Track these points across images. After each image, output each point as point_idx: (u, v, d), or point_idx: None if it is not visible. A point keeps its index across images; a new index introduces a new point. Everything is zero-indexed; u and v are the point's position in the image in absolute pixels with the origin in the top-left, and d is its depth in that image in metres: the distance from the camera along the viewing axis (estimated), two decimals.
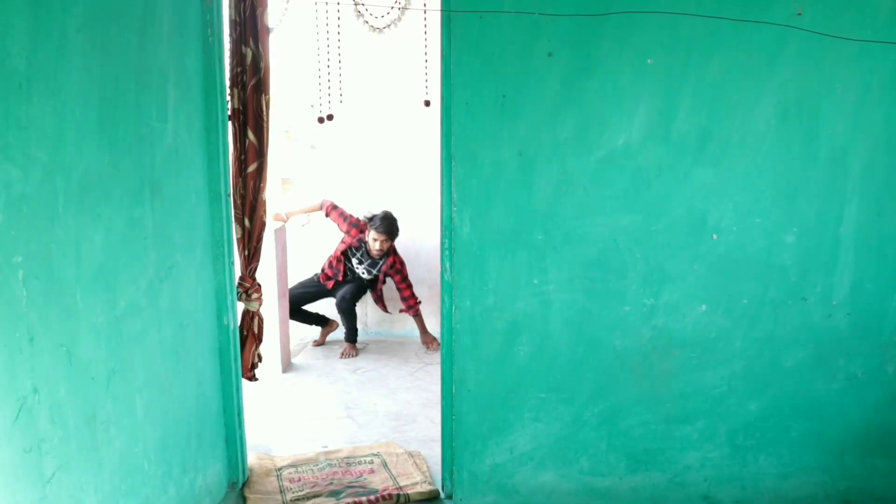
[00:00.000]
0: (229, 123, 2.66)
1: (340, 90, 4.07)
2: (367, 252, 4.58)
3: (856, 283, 2.47)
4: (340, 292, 4.68)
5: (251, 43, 2.62)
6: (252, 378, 2.92)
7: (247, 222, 2.76)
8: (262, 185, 2.76)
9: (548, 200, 2.46)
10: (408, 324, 4.98)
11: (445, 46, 2.42)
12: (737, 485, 2.64)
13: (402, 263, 4.70)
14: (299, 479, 2.92)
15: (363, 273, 4.66)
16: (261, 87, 2.68)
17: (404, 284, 4.70)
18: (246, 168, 2.72)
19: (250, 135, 2.69)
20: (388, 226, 4.46)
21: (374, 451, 3.19)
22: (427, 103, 3.97)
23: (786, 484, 2.63)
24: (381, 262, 4.62)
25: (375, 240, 4.45)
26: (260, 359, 2.94)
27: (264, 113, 2.71)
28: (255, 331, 2.89)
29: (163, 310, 2.21)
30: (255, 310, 2.87)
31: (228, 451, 2.78)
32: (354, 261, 4.66)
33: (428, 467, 3.03)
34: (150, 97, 2.11)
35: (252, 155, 2.71)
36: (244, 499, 2.79)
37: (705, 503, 2.66)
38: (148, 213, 2.11)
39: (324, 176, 4.95)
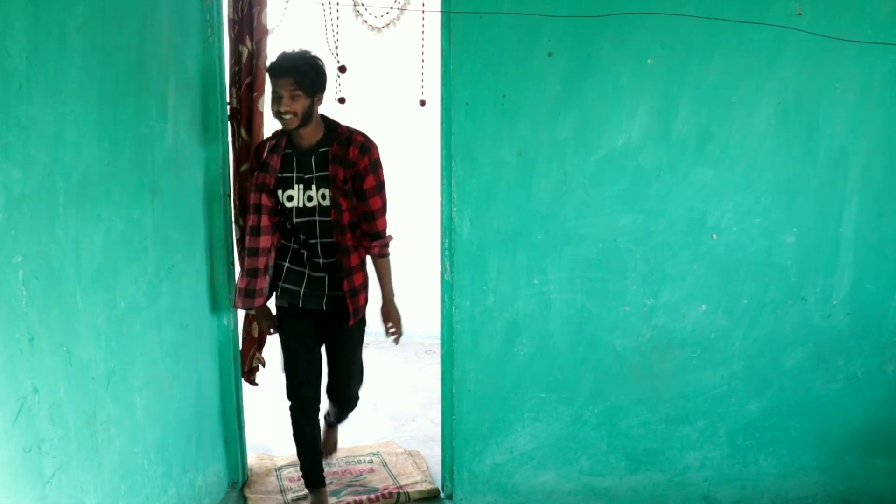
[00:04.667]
0: (229, 123, 2.66)
1: (339, 89, 4.06)
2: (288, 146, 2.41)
3: (856, 283, 2.47)
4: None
5: (247, 41, 2.61)
6: (252, 382, 2.90)
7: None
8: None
9: (548, 200, 2.46)
10: (407, 324, 4.93)
11: (445, 47, 2.42)
12: (737, 485, 2.64)
13: (370, 146, 2.37)
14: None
15: (307, 199, 2.36)
16: (254, 85, 2.66)
17: (375, 185, 2.37)
18: (239, 167, 2.70)
19: (243, 133, 2.67)
20: (290, 62, 2.25)
21: (374, 451, 3.19)
22: (422, 103, 3.96)
23: (786, 484, 2.63)
24: (319, 150, 2.35)
25: (279, 97, 2.25)
26: (262, 363, 2.91)
27: (257, 112, 2.69)
28: (255, 334, 2.87)
29: (163, 310, 2.21)
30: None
31: (228, 451, 2.78)
32: (293, 192, 2.37)
33: (428, 467, 3.03)
34: (150, 97, 2.11)
35: (244, 154, 2.69)
36: (244, 499, 2.79)
37: (705, 503, 2.66)
38: (148, 213, 2.11)
39: None
